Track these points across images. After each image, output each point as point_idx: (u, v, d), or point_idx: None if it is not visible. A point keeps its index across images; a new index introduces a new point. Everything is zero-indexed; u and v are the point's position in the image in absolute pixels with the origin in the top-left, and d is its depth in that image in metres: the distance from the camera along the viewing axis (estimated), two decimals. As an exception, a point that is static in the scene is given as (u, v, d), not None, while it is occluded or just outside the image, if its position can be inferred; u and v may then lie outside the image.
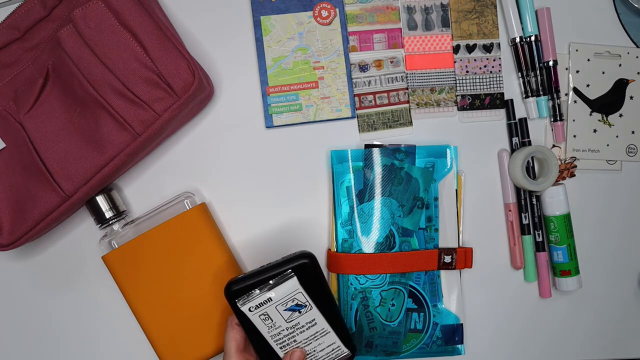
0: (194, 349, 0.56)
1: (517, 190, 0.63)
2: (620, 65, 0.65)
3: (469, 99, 0.63)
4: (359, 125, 0.62)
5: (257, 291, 0.48)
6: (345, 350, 0.53)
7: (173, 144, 0.62)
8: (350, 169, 0.60)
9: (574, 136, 0.64)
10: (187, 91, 0.53)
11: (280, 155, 0.62)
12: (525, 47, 0.63)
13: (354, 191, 0.60)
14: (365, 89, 0.62)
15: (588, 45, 0.64)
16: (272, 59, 0.61)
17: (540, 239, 0.63)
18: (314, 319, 0.50)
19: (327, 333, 0.51)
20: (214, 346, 0.57)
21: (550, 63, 0.63)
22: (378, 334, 0.60)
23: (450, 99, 0.63)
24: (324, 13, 0.62)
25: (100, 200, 0.57)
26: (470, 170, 0.63)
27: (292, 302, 0.49)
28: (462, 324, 0.61)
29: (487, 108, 0.63)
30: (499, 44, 0.63)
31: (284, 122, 0.62)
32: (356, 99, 0.62)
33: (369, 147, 0.61)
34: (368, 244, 0.60)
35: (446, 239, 0.61)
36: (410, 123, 0.63)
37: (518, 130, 0.63)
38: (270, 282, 0.48)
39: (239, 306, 0.48)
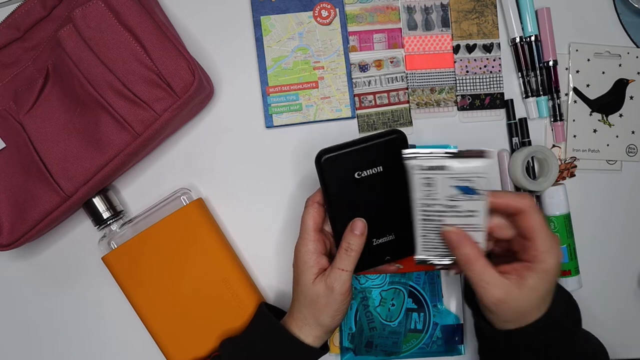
0: (198, 343, 0.57)
1: (517, 190, 0.63)
2: (620, 65, 0.65)
3: (469, 99, 0.63)
4: (359, 125, 0.62)
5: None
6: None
7: (173, 144, 0.62)
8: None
9: (574, 136, 0.64)
10: (187, 91, 0.53)
11: (280, 155, 0.62)
12: (525, 47, 0.63)
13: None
14: (365, 89, 0.62)
15: (588, 45, 0.64)
16: (272, 59, 0.61)
17: (540, 239, 0.63)
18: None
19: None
20: (218, 339, 0.57)
21: (550, 63, 0.63)
22: (378, 334, 0.60)
23: (450, 99, 0.63)
24: (324, 13, 0.62)
25: (97, 202, 0.57)
26: (470, 170, 0.63)
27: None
28: (462, 324, 0.61)
29: (487, 108, 0.63)
30: (499, 44, 0.63)
31: (284, 122, 0.62)
32: (356, 99, 0.62)
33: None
34: (368, 244, 0.60)
35: (446, 239, 0.61)
36: (410, 123, 0.63)
37: (518, 130, 0.63)
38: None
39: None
